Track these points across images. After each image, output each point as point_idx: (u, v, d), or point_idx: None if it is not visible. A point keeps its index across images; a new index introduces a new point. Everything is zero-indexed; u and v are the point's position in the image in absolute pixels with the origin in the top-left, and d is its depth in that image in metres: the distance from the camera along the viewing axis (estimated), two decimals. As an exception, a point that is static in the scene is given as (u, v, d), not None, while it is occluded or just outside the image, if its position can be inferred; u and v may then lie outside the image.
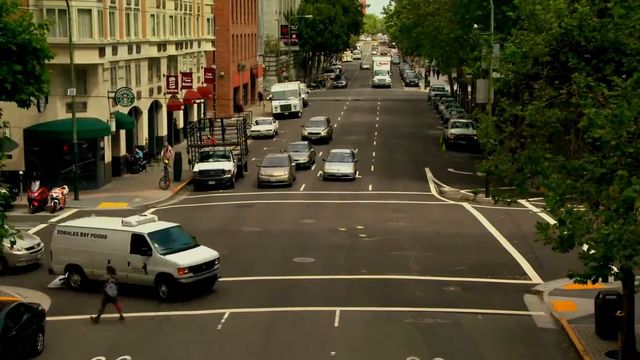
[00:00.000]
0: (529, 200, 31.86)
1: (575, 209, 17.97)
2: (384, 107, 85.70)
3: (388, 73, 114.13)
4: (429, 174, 47.27)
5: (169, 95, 53.83)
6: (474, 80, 52.88)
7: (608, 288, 21.45)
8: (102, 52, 41.64)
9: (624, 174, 17.04)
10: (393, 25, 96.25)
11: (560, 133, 22.27)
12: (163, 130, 55.19)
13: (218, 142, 49.36)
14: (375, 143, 60.01)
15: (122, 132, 46.02)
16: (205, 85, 65.75)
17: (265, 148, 57.07)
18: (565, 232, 17.68)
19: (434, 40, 61.02)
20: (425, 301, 23.95)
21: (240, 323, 22.16)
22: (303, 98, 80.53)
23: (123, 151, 46.48)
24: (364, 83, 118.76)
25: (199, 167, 43.21)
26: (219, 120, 54.88)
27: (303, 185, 43.58)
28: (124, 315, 22.58)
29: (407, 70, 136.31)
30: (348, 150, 47.89)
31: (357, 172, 45.49)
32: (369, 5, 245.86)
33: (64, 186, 38.30)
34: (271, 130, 63.52)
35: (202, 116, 62.66)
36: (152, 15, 51.40)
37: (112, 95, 43.40)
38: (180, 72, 57.04)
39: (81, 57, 39.65)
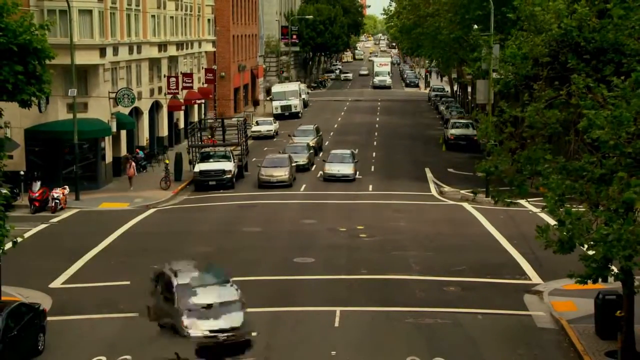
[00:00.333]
0: (528, 201, 31.88)
1: (574, 210, 18.02)
2: (384, 107, 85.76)
3: (389, 74, 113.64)
4: (429, 174, 47.33)
5: (169, 96, 53.93)
6: (474, 80, 52.92)
7: (608, 288, 21.50)
8: (103, 52, 41.71)
9: (624, 175, 17.09)
10: (393, 26, 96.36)
11: (559, 134, 22.32)
12: (164, 131, 55.27)
13: (219, 142, 49.43)
14: (375, 143, 60.07)
15: (123, 133, 46.10)
16: (205, 85, 65.84)
17: (265, 148, 57.15)
18: (565, 233, 17.71)
19: (434, 41, 61.09)
20: (425, 301, 23.99)
21: (240, 323, 22.16)
22: (303, 98, 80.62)
23: (124, 151, 46.54)
24: (364, 84, 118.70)
25: (200, 167, 43.28)
26: (220, 120, 54.96)
27: (303, 186, 43.64)
28: (124, 315, 22.67)
29: (407, 71, 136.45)
30: (348, 151, 47.61)
31: (357, 173, 45.64)
32: (369, 6, 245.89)
33: (65, 186, 38.38)
34: (271, 130, 63.61)
35: (203, 116, 62.77)
36: (153, 16, 51.47)
37: (113, 95, 43.47)
38: (181, 73, 57.14)
39: (82, 58, 39.71)
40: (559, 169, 19.21)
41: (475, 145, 53.29)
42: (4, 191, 22.26)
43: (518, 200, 24.42)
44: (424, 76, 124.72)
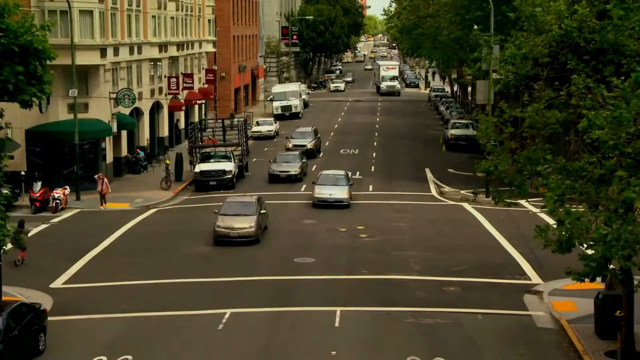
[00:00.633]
0: (528, 201, 31.93)
1: (574, 210, 18.06)
2: (384, 107, 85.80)
3: (397, 79, 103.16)
4: (429, 175, 47.36)
5: (170, 96, 53.98)
6: (474, 81, 52.97)
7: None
8: (103, 53, 41.76)
9: (624, 174, 17.13)
10: (393, 26, 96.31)
11: (559, 134, 22.37)
12: (164, 131, 55.33)
13: (219, 142, 49.49)
14: (375, 144, 60.11)
15: (124, 133, 46.17)
16: (206, 86, 65.89)
17: (266, 149, 57.19)
18: (564, 233, 17.75)
19: (434, 42, 61.15)
20: (425, 301, 24.03)
21: (241, 323, 22.23)
22: (304, 99, 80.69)
23: (124, 152, 46.61)
24: (364, 85, 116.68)
25: (200, 167, 43.34)
26: (220, 120, 55.04)
27: (304, 186, 43.67)
28: (126, 315, 22.74)
29: (407, 71, 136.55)
30: (342, 172, 40.84)
31: (351, 197, 38.95)
32: (370, 7, 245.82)
33: (66, 186, 38.43)
34: (272, 131, 63.67)
35: (204, 117, 62.86)
36: (154, 17, 51.52)
37: (114, 96, 43.52)
38: (182, 73, 57.19)
39: (83, 58, 39.76)
40: (559, 169, 19.26)
41: (475, 145, 53.32)
42: (5, 191, 22.32)
43: (518, 201, 24.51)
44: (424, 76, 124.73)
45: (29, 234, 29.46)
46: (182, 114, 59.07)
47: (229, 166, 43.36)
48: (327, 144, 59.42)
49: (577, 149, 20.59)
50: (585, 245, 17.84)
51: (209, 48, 66.92)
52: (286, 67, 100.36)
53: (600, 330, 20.63)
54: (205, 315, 22.81)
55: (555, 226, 18.19)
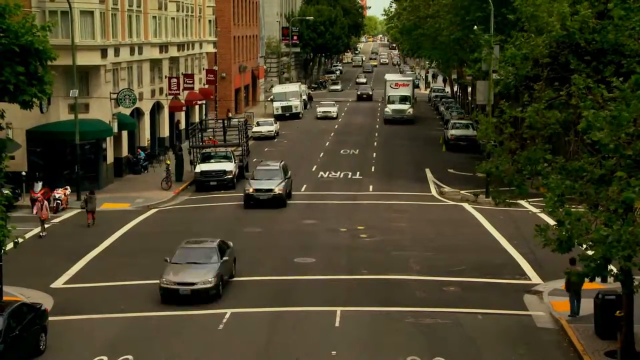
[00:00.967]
0: (528, 201, 31.96)
1: (574, 210, 18.08)
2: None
3: (409, 100, 72.18)
4: (429, 175, 47.39)
5: (170, 97, 54.02)
6: (474, 81, 52.99)
7: (607, 288, 21.61)
8: (104, 53, 41.80)
9: (623, 175, 17.15)
10: (393, 27, 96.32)
11: (559, 134, 22.39)
12: (165, 132, 55.38)
13: (219, 143, 49.54)
14: (375, 144, 60.15)
15: (124, 133, 46.22)
16: (206, 86, 65.94)
17: (266, 149, 57.25)
18: (564, 233, 17.78)
19: (434, 42, 61.16)
20: (425, 301, 24.06)
21: (241, 323, 22.27)
22: (304, 99, 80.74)
23: (125, 152, 46.65)
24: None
25: (201, 167, 43.38)
26: (221, 121, 55.07)
27: (304, 186, 43.70)
28: (127, 315, 22.78)
29: (407, 72, 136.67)
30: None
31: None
32: (370, 7, 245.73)
33: (67, 187, 38.48)
34: (272, 131, 63.74)
35: (204, 117, 62.92)
36: (154, 17, 51.56)
37: (114, 96, 43.55)
38: (182, 74, 57.24)
39: (83, 59, 39.80)
40: (559, 169, 19.28)
41: (475, 145, 53.35)
42: (6, 192, 22.34)
43: (518, 201, 24.54)
44: (424, 77, 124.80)
45: (26, 236, 29.47)
46: (183, 114, 59.11)
47: (229, 166, 43.41)
48: (327, 144, 59.47)
49: (577, 149, 20.62)
50: (584, 246, 17.87)
51: (210, 48, 66.97)
52: (286, 68, 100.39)
53: (600, 330, 20.66)
54: (205, 315, 22.85)
55: (555, 226, 18.21)
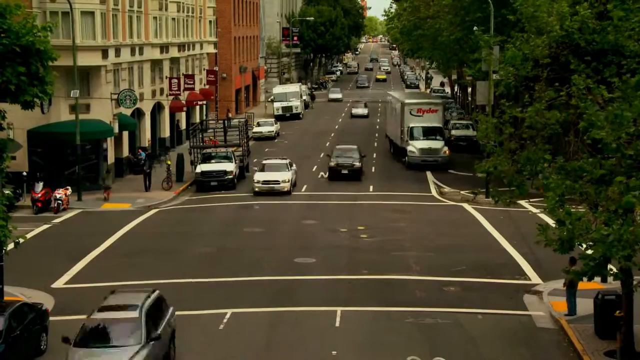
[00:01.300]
0: (528, 201, 32.04)
1: (574, 210, 18.12)
2: (385, 109, 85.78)
3: (440, 133, 50.17)
4: (429, 175, 47.40)
5: (171, 97, 54.09)
6: (474, 82, 53.04)
7: (607, 288, 21.66)
8: (105, 54, 41.86)
9: (623, 179, 17.16)
10: (394, 27, 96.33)
11: (559, 134, 22.42)
12: (165, 132, 55.45)
13: (220, 143, 49.60)
14: (376, 144, 60.20)
15: (125, 134, 46.28)
16: (207, 87, 66.02)
17: (267, 149, 57.31)
18: (565, 233, 17.82)
19: (434, 43, 61.20)
20: (425, 301, 24.10)
21: (242, 323, 22.31)
22: (304, 100, 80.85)
23: (126, 152, 46.71)
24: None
25: (201, 168, 43.45)
26: (221, 121, 55.14)
27: (305, 186, 43.77)
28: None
29: (407, 72, 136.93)
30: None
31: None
32: (370, 8, 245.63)
33: (67, 187, 38.52)
34: (273, 131, 63.84)
35: (205, 117, 62.97)
36: (155, 18, 51.63)
37: (115, 96, 43.63)
38: (183, 74, 57.31)
39: (84, 59, 39.87)
40: (559, 169, 19.32)
41: (475, 146, 53.38)
42: (7, 192, 22.40)
43: (518, 201, 24.58)
44: (424, 77, 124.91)
45: (27, 236, 29.51)
46: (183, 114, 59.18)
47: (230, 167, 43.48)
48: (327, 144, 59.51)
49: (577, 149, 20.64)
50: (584, 246, 17.91)
51: (210, 49, 67.04)
52: (287, 68, 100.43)
53: (599, 330, 20.69)
54: (206, 315, 22.89)
55: (555, 226, 18.26)
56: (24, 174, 38.72)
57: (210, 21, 66.34)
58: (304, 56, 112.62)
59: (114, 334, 17.44)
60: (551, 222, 19.16)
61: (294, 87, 79.48)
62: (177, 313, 21.86)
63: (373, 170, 49.37)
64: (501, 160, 22.01)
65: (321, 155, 53.19)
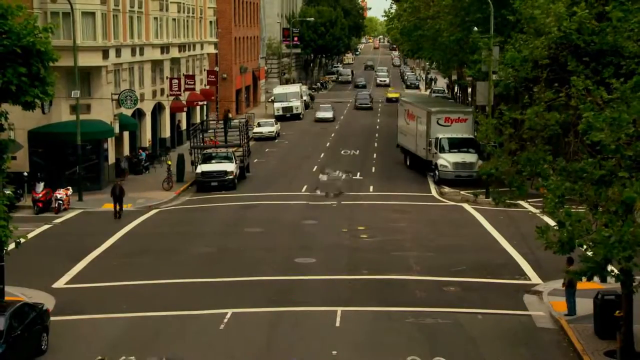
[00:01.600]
0: (528, 202, 32.04)
1: (574, 211, 18.16)
2: (385, 109, 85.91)
3: (476, 145, 44.00)
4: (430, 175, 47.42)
5: (172, 98, 54.15)
6: (474, 82, 53.08)
7: (607, 288, 21.70)
8: (105, 54, 41.91)
9: (625, 175, 17.22)
10: (394, 28, 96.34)
11: (559, 135, 22.47)
12: (166, 132, 55.51)
13: (220, 143, 49.67)
14: (376, 145, 60.26)
15: (126, 134, 46.35)
16: (207, 87, 66.08)
17: (267, 149, 57.38)
18: (565, 234, 17.86)
19: (435, 43, 61.26)
20: (425, 301, 24.14)
21: (242, 323, 22.36)
22: (305, 100, 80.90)
23: (127, 153, 46.78)
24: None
25: (202, 168, 43.51)
26: (222, 121, 55.21)
27: (305, 186, 43.82)
28: (129, 315, 22.88)
29: (407, 73, 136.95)
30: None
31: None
32: (370, 8, 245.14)
33: (68, 187, 38.60)
34: (273, 131, 63.90)
35: (205, 118, 63.03)
36: (155, 18, 51.69)
37: (116, 97, 43.69)
38: (183, 75, 57.37)
39: (85, 60, 39.93)
40: (559, 170, 19.36)
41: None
42: (8, 192, 22.47)
43: (518, 201, 24.63)
44: (424, 78, 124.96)
45: (28, 236, 29.56)
46: (184, 115, 59.24)
47: (230, 167, 43.55)
48: (327, 144, 59.56)
49: (577, 150, 20.69)
50: (585, 247, 17.94)
51: (211, 49, 67.10)
52: (287, 69, 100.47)
53: (599, 330, 20.73)
54: (206, 315, 22.93)
55: (555, 227, 18.30)
56: (25, 174, 38.79)
57: (210, 22, 66.40)
58: (304, 56, 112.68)
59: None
60: (551, 222, 19.19)
61: (294, 88, 79.56)
62: (177, 313, 22.23)
63: (373, 170, 49.42)
64: (501, 161, 22.06)
65: (321, 155, 53.26)
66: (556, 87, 22.10)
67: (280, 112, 74.62)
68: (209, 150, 46.06)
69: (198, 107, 62.03)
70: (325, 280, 26.35)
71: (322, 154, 55.08)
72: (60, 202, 37.02)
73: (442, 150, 44.45)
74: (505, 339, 21.19)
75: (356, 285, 25.82)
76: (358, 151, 56.57)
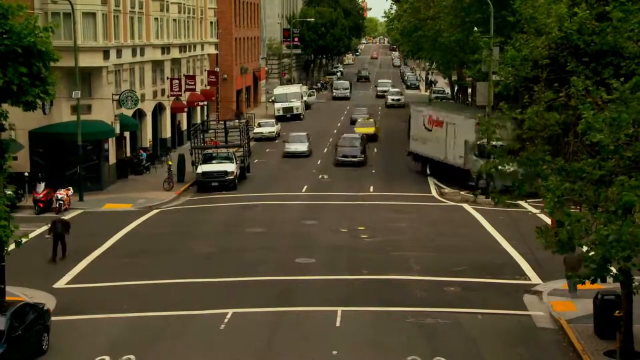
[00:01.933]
0: (528, 202, 32.10)
1: (573, 211, 18.19)
2: (385, 109, 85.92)
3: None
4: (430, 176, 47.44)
5: (172, 98, 54.19)
6: (474, 82, 53.12)
7: (606, 288, 21.69)
8: (106, 55, 41.95)
9: (624, 179, 17.23)
10: (394, 28, 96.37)
11: (559, 135, 22.49)
12: (167, 133, 55.55)
13: (221, 144, 49.71)
14: (375, 150, 60.21)
15: (127, 134, 46.39)
16: (208, 87, 66.10)
17: (267, 150, 57.40)
18: (564, 235, 17.88)
19: (435, 44, 61.30)
20: (425, 301, 24.17)
21: (243, 323, 22.39)
22: (305, 100, 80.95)
23: (127, 153, 46.82)
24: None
25: (202, 168, 43.55)
26: (222, 122, 55.26)
27: (305, 187, 43.86)
28: (129, 315, 22.93)
29: (407, 73, 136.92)
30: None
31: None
32: (370, 9, 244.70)
33: (69, 187, 38.63)
34: (273, 132, 63.95)
35: (206, 118, 63.05)
36: (156, 19, 51.73)
37: (117, 97, 43.72)
38: (184, 75, 57.40)
39: (86, 60, 39.97)
40: (558, 170, 19.39)
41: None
42: (9, 192, 22.50)
43: (518, 202, 24.64)
44: (424, 78, 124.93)
45: (29, 236, 29.58)
46: (185, 115, 59.28)
47: (231, 167, 43.60)
48: (328, 144, 59.60)
49: (577, 150, 20.72)
50: (585, 248, 17.97)
51: (211, 50, 67.13)
52: (287, 69, 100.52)
53: (599, 330, 20.76)
54: (207, 315, 22.96)
55: (555, 227, 18.33)
56: (26, 174, 38.82)
57: (211, 22, 66.44)
58: (304, 57, 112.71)
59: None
60: (551, 222, 19.21)
61: (294, 88, 79.59)
62: (178, 313, 22.29)
63: (373, 171, 49.46)
64: (501, 161, 22.08)
65: (323, 153, 53.26)
66: (556, 87, 22.13)
67: (281, 113, 74.66)
68: (209, 151, 46.10)
69: (198, 108, 62.08)
70: (325, 281, 26.39)
71: (323, 154, 55.11)
72: (61, 202, 37.05)
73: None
74: (505, 339, 21.22)
75: (356, 285, 25.85)
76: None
